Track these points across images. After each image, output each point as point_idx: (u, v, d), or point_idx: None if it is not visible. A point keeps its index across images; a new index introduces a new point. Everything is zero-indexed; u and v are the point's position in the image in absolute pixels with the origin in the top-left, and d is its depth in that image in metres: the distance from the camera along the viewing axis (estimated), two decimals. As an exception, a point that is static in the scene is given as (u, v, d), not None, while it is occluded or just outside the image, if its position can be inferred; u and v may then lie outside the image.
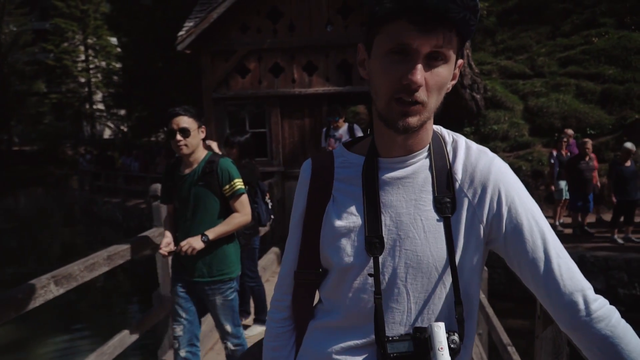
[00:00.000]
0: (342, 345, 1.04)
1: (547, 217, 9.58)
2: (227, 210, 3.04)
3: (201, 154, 3.04)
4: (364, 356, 1.02)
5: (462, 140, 1.06)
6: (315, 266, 1.08)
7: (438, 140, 1.04)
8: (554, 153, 8.97)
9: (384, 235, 1.00)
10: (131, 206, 16.07)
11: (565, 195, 8.81)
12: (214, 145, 4.41)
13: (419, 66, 0.88)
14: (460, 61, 0.98)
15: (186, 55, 10.53)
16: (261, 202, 4.49)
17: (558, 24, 16.94)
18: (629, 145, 8.04)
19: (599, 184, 8.86)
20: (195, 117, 2.98)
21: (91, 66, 35.29)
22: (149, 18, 18.02)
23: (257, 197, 4.45)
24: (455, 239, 0.99)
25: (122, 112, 31.59)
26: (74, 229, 18.57)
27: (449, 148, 1.04)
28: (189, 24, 9.52)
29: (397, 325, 0.99)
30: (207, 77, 9.74)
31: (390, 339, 0.96)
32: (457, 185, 1.01)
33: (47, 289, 2.47)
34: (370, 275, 0.99)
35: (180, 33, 9.47)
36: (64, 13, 33.25)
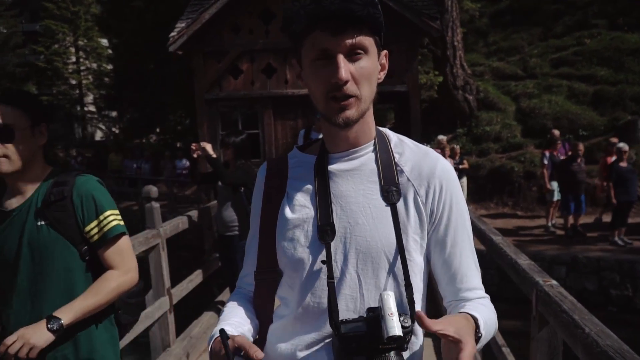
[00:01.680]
0: (302, 342, 1.07)
1: (540, 217, 9.68)
2: (94, 267, 1.77)
3: (40, 172, 1.77)
4: (323, 352, 1.05)
5: (408, 140, 1.16)
6: (274, 265, 1.12)
7: (382, 137, 1.13)
8: (547, 154, 9.00)
9: (335, 223, 1.06)
10: (123, 208, 15.98)
11: (557, 196, 8.84)
12: (209, 147, 4.36)
13: (342, 64, 0.97)
14: (384, 52, 1.08)
15: (178, 57, 10.48)
16: None
17: (550, 25, 17.05)
18: (621, 145, 8.08)
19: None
20: (22, 106, 1.69)
21: (82, 68, 35.06)
22: (140, 19, 17.93)
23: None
24: (402, 225, 1.05)
25: (114, 113, 31.42)
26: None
27: (393, 144, 1.13)
28: (180, 25, 9.47)
29: (350, 312, 1.04)
30: (199, 79, 9.69)
31: (344, 321, 0.99)
32: (404, 176, 1.09)
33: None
34: (323, 262, 1.04)
35: (172, 34, 9.42)
36: (55, 15, 33.00)
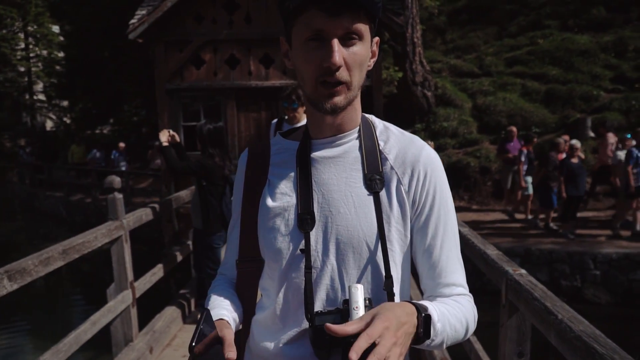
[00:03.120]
0: (284, 335, 1.05)
1: (495, 211, 9.97)
2: None
3: None
4: (304, 345, 1.02)
5: (393, 127, 1.13)
6: (256, 255, 1.10)
7: (367, 124, 1.10)
8: (524, 151, 9.29)
9: (315, 211, 1.04)
10: (76, 200, 15.43)
11: (531, 190, 9.22)
12: (163, 135, 4.25)
13: (336, 48, 0.93)
14: (376, 39, 1.04)
15: (136, 45, 10.20)
16: (228, 199, 4.33)
17: (505, 25, 17.57)
18: (574, 142, 8.43)
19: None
20: None
21: (31, 55, 33.56)
22: (96, 5, 17.30)
23: (224, 195, 4.32)
24: (385, 215, 1.03)
25: (65, 103, 30.23)
26: (13, 224, 17.63)
27: (378, 132, 1.10)
28: (141, 12, 9.20)
29: (331, 303, 1.01)
30: (160, 68, 9.46)
31: (319, 312, 0.97)
32: (387, 164, 1.06)
33: (1, 284, 2.33)
34: (301, 251, 1.02)
35: (132, 21, 9.14)
36: (2, -1, 31.42)
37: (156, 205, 4.91)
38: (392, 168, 1.06)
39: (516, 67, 14.93)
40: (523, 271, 2.14)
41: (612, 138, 9.60)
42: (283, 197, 1.06)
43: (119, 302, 3.82)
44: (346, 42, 0.95)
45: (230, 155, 9.42)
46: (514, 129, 10.08)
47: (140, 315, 4.15)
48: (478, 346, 2.78)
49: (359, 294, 0.90)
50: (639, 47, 14.17)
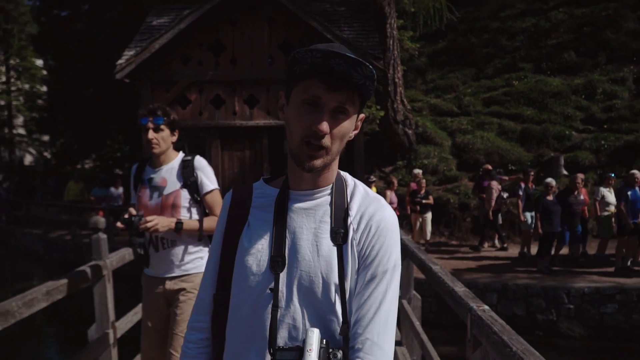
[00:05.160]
0: None
1: (514, 243, 9.94)
2: None
3: None
4: None
5: (361, 186, 1.24)
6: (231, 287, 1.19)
7: (341, 181, 1.22)
8: (522, 185, 9.41)
9: (286, 256, 1.13)
10: (54, 238, 15.21)
11: (531, 225, 9.20)
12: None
13: (326, 117, 1.07)
14: (361, 115, 1.18)
15: (121, 82, 10.37)
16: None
17: (482, 67, 18.24)
18: (549, 180, 8.72)
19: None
20: None
21: (13, 88, 33.49)
22: (82, 42, 17.53)
23: None
24: (345, 265, 1.12)
25: (46, 137, 30.08)
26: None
27: (349, 190, 1.21)
28: (129, 53, 9.42)
29: (293, 341, 1.10)
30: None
31: (281, 347, 1.07)
32: (349, 220, 1.16)
33: (-14, 326, 2.38)
34: (270, 290, 1.11)
35: (120, 61, 9.33)
36: (-15, 32, 31.54)
37: (140, 244, 4.94)
38: (351, 223, 1.16)
39: (493, 107, 15.44)
40: (486, 307, 2.28)
41: (495, 186, 9.76)
42: (259, 239, 1.16)
43: (100, 343, 3.84)
44: (336, 114, 1.09)
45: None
46: (489, 167, 10.40)
47: (122, 355, 4.15)
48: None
49: (314, 338, 1.01)
50: (607, 90, 14.80)
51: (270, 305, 1.11)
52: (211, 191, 2.88)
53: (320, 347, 1.02)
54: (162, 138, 2.85)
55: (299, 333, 1.11)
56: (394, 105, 13.25)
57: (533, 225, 9.04)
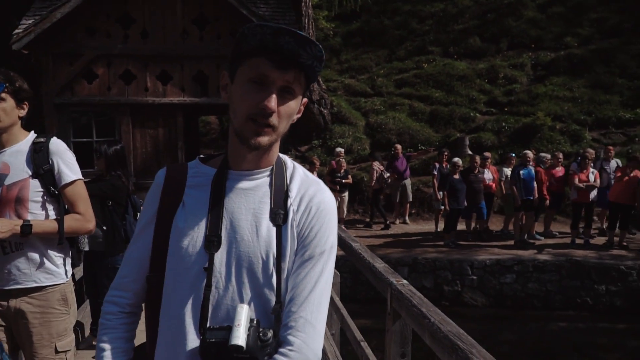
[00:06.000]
0: (182, 350, 1.11)
1: (423, 220, 10.46)
2: None
3: None
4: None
5: (300, 168, 1.25)
6: (164, 269, 1.17)
7: (280, 164, 1.22)
8: (437, 166, 9.76)
9: (222, 235, 1.13)
10: None
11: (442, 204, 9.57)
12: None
13: (274, 95, 1.06)
14: (304, 99, 1.18)
15: (19, 54, 9.55)
16: (131, 218, 4.29)
17: (394, 49, 18.81)
18: (456, 159, 9.29)
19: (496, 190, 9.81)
20: None
21: None
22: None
23: (126, 214, 4.28)
24: (284, 246, 1.13)
25: None
26: None
27: (289, 172, 1.21)
28: (27, 22, 8.67)
29: (230, 321, 1.07)
30: (47, 81, 8.95)
31: (211, 328, 1.06)
32: (289, 201, 1.17)
33: None
34: (205, 269, 1.10)
35: (17, 31, 8.58)
36: None
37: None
38: (291, 204, 1.17)
39: (404, 88, 16.03)
40: (405, 282, 2.45)
41: (377, 166, 10.39)
42: (194, 218, 1.14)
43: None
44: (283, 94, 1.08)
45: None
46: (399, 147, 10.87)
47: None
48: (368, 351, 3.08)
49: (243, 314, 1.03)
50: (508, 75, 15.92)
51: (203, 286, 1.10)
52: (72, 182, 2.28)
53: (251, 326, 1.03)
54: (4, 110, 2.20)
55: (233, 314, 1.09)
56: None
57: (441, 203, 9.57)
